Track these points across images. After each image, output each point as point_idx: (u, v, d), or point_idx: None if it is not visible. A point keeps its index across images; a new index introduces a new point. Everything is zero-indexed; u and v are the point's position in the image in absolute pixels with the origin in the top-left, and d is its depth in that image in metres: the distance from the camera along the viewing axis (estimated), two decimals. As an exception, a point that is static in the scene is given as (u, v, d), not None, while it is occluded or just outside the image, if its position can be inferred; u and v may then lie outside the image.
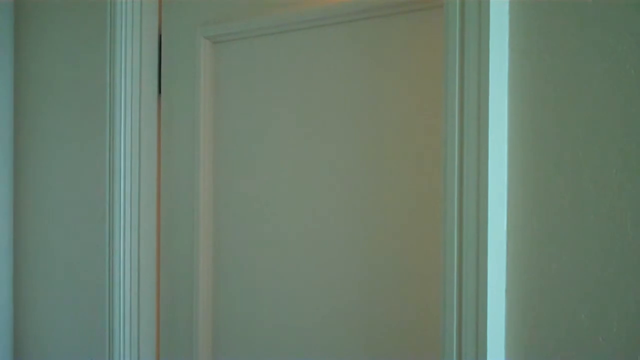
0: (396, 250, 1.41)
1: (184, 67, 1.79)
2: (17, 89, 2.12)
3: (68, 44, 1.97)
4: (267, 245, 1.64)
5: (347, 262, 1.49)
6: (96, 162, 1.87)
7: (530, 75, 1.07)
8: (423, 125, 1.37)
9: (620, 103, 0.99)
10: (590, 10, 1.02)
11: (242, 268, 1.70)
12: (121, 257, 1.81)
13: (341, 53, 1.49)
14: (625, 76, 0.98)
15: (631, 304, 0.98)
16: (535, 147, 1.07)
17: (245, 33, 1.67)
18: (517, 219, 1.09)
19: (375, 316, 1.44)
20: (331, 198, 1.52)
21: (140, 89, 1.82)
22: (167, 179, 1.84)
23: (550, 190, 1.06)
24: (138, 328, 1.82)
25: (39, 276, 2.07)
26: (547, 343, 1.06)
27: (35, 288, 2.08)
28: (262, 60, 1.64)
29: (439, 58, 1.25)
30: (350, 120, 1.48)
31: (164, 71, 1.84)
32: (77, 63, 1.94)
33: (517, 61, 1.08)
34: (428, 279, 1.34)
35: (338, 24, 1.49)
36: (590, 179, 1.02)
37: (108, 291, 1.83)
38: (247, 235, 1.69)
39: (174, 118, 1.82)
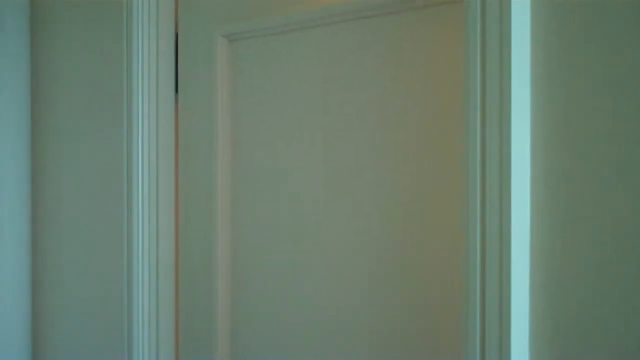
0: (416, 249, 1.39)
1: (200, 66, 1.78)
2: (33, 89, 2.12)
3: (84, 43, 1.97)
4: (286, 244, 1.63)
5: (367, 260, 1.47)
6: (113, 162, 1.86)
7: (554, 69, 1.05)
8: (443, 122, 1.35)
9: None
10: (615, 2, 0.99)
11: (261, 267, 1.68)
12: (139, 257, 1.80)
13: (359, 50, 1.47)
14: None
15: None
16: (559, 144, 1.04)
17: (262, 31, 1.66)
18: (541, 218, 1.06)
19: (395, 313, 1.42)
20: (350, 195, 1.50)
21: (157, 88, 1.81)
22: (185, 178, 1.83)
23: (574, 189, 1.03)
24: (157, 329, 1.82)
25: (56, 278, 2.07)
26: (572, 344, 1.04)
27: (53, 290, 2.08)
28: (279, 58, 1.63)
29: (460, 53, 1.22)
30: (369, 117, 1.46)
31: (181, 70, 1.83)
32: (93, 62, 1.94)
33: (539, 56, 1.06)
34: (447, 277, 1.33)
35: (355, 20, 1.47)
36: (616, 177, 0.99)
37: (126, 292, 1.82)
38: (266, 234, 1.67)
39: (191, 117, 1.81)
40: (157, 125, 1.81)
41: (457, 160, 1.28)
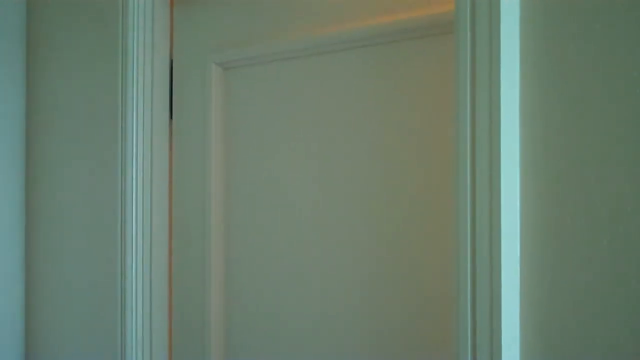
0: (409, 252, 1.41)
1: (195, 93, 1.81)
2: (28, 115, 2.14)
3: (80, 67, 1.99)
4: (279, 251, 1.65)
5: (359, 262, 1.49)
6: (108, 187, 1.88)
7: (541, 102, 1.08)
8: (435, 151, 1.38)
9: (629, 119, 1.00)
10: (599, 34, 1.03)
11: (254, 274, 1.70)
12: (133, 265, 1.81)
13: (352, 79, 1.51)
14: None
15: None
16: (546, 170, 1.08)
17: (256, 59, 1.69)
18: (530, 229, 1.09)
19: (387, 313, 1.44)
20: (343, 214, 1.53)
21: (152, 113, 1.83)
22: (179, 204, 1.85)
23: (562, 200, 1.06)
24: (150, 332, 1.82)
25: (51, 282, 2.07)
26: (562, 347, 1.06)
27: (46, 295, 2.09)
28: (273, 86, 1.66)
29: (451, 83, 1.26)
30: (361, 146, 1.50)
31: (176, 96, 1.86)
32: (88, 87, 1.96)
33: (528, 87, 1.10)
34: (441, 279, 1.35)
35: (349, 50, 1.51)
36: (602, 186, 1.03)
37: (120, 292, 1.83)
38: (259, 242, 1.69)
39: (185, 142, 1.84)
40: (152, 150, 1.83)
41: (450, 171, 1.32)
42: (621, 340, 1.01)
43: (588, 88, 1.04)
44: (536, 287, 1.09)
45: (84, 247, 1.97)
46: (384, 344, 1.45)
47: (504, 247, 1.08)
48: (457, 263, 1.13)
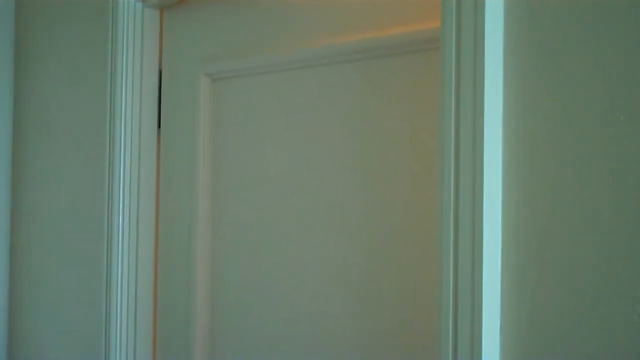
0: (394, 257, 1.42)
1: (183, 103, 1.81)
2: (16, 120, 2.14)
3: (69, 78, 1.99)
4: (266, 253, 1.65)
5: (347, 263, 1.50)
6: (95, 195, 1.88)
7: (524, 117, 1.09)
8: (421, 162, 1.39)
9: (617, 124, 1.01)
10: (582, 51, 1.04)
11: (240, 275, 1.70)
12: (119, 264, 1.82)
13: (341, 92, 1.52)
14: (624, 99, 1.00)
15: (625, 324, 0.99)
16: (527, 183, 1.08)
17: (245, 71, 1.70)
18: (511, 232, 1.10)
19: (372, 316, 1.44)
20: (329, 230, 1.53)
21: (140, 123, 1.84)
22: (165, 214, 1.85)
23: (542, 208, 1.07)
24: (135, 333, 1.82)
25: (36, 287, 2.07)
26: (542, 352, 1.07)
27: (31, 295, 2.08)
28: (262, 98, 1.67)
29: (436, 98, 1.27)
30: (349, 159, 1.50)
31: (164, 106, 1.86)
32: (77, 95, 1.96)
33: (510, 102, 1.11)
34: (425, 283, 1.35)
35: (338, 64, 1.51)
36: (586, 192, 1.04)
37: (105, 293, 1.83)
38: (246, 243, 1.69)
39: (172, 152, 1.84)
40: (139, 159, 1.83)
41: (435, 182, 1.32)
42: (602, 346, 1.01)
43: (571, 104, 1.05)
44: (517, 293, 1.09)
45: (70, 252, 1.97)
46: (370, 344, 1.45)
47: (486, 252, 1.09)
48: (440, 269, 1.14)
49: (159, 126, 1.87)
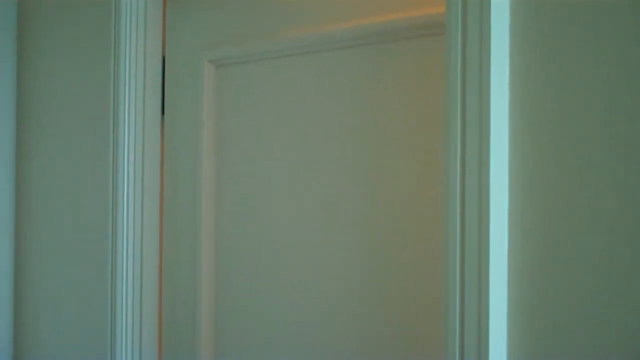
0: (400, 253, 1.42)
1: (187, 90, 1.81)
2: (19, 110, 2.14)
3: (72, 64, 1.99)
4: (269, 249, 1.65)
5: (350, 263, 1.50)
6: (99, 184, 1.88)
7: (531, 102, 1.09)
8: (426, 151, 1.38)
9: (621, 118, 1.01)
10: (589, 35, 1.04)
11: (245, 272, 1.70)
12: (124, 263, 1.82)
13: (345, 78, 1.51)
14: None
15: (632, 324, 0.99)
16: (535, 166, 1.08)
17: (248, 57, 1.69)
18: (518, 231, 1.10)
19: (377, 315, 1.45)
20: (334, 214, 1.53)
21: (144, 110, 1.83)
22: (170, 201, 1.85)
23: (550, 202, 1.07)
24: (140, 331, 1.82)
25: (40, 286, 2.07)
26: (549, 348, 1.07)
27: (36, 295, 2.09)
28: (266, 84, 1.66)
29: (441, 83, 1.27)
30: (353, 144, 1.50)
31: (168, 93, 1.86)
32: (81, 83, 1.96)
33: (517, 87, 1.10)
34: (430, 280, 1.35)
35: (342, 49, 1.51)
36: (592, 191, 1.03)
37: (110, 294, 1.83)
38: (250, 242, 1.69)
39: (176, 138, 1.84)
40: (143, 147, 1.83)
41: (439, 172, 1.32)
42: (608, 340, 1.01)
43: (578, 89, 1.05)
44: (523, 289, 1.09)
45: (74, 244, 1.97)
46: (375, 344, 1.45)
47: (492, 249, 1.09)
48: (446, 264, 1.14)
49: (163, 113, 1.87)
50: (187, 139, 1.81)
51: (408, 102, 1.41)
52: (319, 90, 1.56)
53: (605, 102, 1.02)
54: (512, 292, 1.10)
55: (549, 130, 1.07)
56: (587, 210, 1.03)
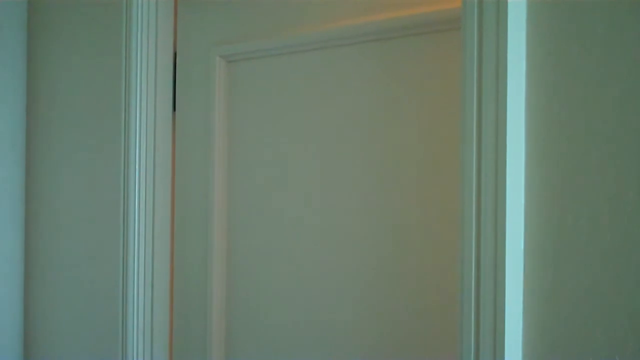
0: (412, 251, 1.41)
1: (198, 85, 1.81)
2: (30, 105, 2.14)
3: (83, 59, 1.99)
4: (281, 250, 1.65)
5: (362, 264, 1.49)
6: (111, 179, 1.88)
7: (547, 99, 1.08)
8: (440, 148, 1.38)
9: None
10: (606, 32, 1.03)
11: (256, 273, 1.70)
12: (135, 261, 1.81)
13: (358, 74, 1.51)
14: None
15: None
16: (552, 163, 1.08)
17: (260, 52, 1.69)
18: (534, 230, 1.09)
19: (391, 313, 1.44)
20: (346, 205, 1.53)
21: (155, 106, 1.83)
22: (181, 196, 1.85)
23: (565, 200, 1.06)
24: (151, 329, 1.83)
25: (50, 282, 2.08)
26: (564, 347, 1.07)
27: (46, 293, 2.09)
28: (277, 79, 1.66)
29: (457, 80, 1.26)
30: (365, 140, 1.49)
31: (179, 88, 1.86)
32: (92, 79, 1.96)
33: (534, 84, 1.10)
34: (444, 281, 1.35)
35: (355, 45, 1.50)
36: (608, 193, 1.03)
37: (122, 295, 1.83)
38: (261, 241, 1.69)
39: (188, 135, 1.83)
40: (155, 143, 1.83)
41: (454, 170, 1.32)
42: (623, 340, 1.01)
43: (594, 86, 1.04)
44: (539, 288, 1.09)
45: (85, 241, 1.97)
46: (388, 344, 1.45)
47: (509, 247, 1.08)
48: (462, 263, 1.13)
49: (174, 108, 1.87)
50: (198, 135, 1.80)
51: (421, 99, 1.40)
52: (331, 86, 1.55)
53: (624, 98, 1.01)
54: (528, 292, 1.10)
55: (566, 127, 1.06)
56: (605, 209, 1.03)
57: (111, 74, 1.89)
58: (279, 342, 1.65)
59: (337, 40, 1.53)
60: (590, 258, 1.04)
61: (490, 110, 1.10)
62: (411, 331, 1.41)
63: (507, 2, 1.08)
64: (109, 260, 1.88)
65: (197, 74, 1.81)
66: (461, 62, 1.14)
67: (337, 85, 1.54)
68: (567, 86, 1.06)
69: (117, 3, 1.86)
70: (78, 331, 1.99)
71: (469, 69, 1.12)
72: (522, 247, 1.10)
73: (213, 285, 1.75)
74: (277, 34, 1.65)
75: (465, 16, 1.13)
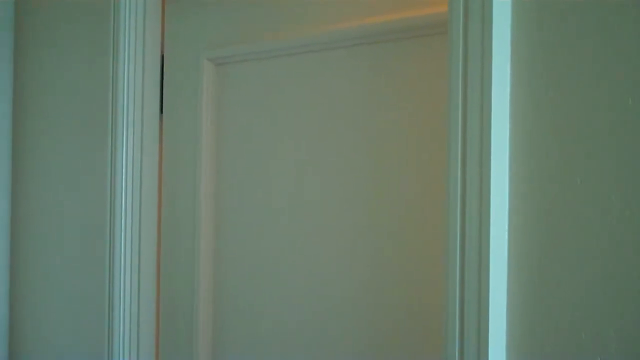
0: (400, 252, 1.42)
1: (186, 88, 1.81)
2: (16, 107, 2.13)
3: (70, 61, 1.98)
4: (269, 249, 1.65)
5: (349, 263, 1.50)
6: (97, 182, 1.87)
7: (532, 102, 1.09)
8: (427, 151, 1.38)
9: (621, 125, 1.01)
10: (591, 36, 1.04)
11: (244, 272, 1.70)
12: (122, 262, 1.81)
13: (345, 77, 1.51)
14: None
15: (630, 324, 1.00)
16: (535, 169, 1.08)
17: (248, 56, 1.69)
18: (518, 231, 1.10)
19: (377, 315, 1.45)
20: (336, 214, 1.53)
21: (143, 108, 1.83)
22: (168, 199, 1.85)
23: (551, 200, 1.07)
24: (138, 331, 1.82)
25: (36, 288, 2.07)
26: (549, 349, 1.07)
27: (32, 296, 2.08)
28: (266, 82, 1.66)
29: (443, 83, 1.26)
30: (353, 144, 1.50)
31: (167, 91, 1.86)
32: (79, 82, 1.95)
33: (518, 87, 1.10)
34: (432, 280, 1.35)
35: (343, 48, 1.51)
36: (591, 193, 1.04)
37: (108, 294, 1.83)
38: (249, 241, 1.69)
39: (176, 138, 1.83)
40: (142, 145, 1.82)
41: (441, 171, 1.32)
42: (609, 341, 1.02)
43: (579, 89, 1.05)
44: (523, 289, 1.10)
45: (71, 244, 1.96)
46: (375, 344, 1.45)
47: (493, 249, 1.09)
48: (447, 264, 1.14)
49: (162, 111, 1.86)
50: (186, 138, 1.80)
51: (410, 100, 1.41)
52: (320, 90, 1.55)
53: (609, 101, 1.02)
54: (512, 293, 1.11)
55: (550, 129, 1.07)
56: (589, 210, 1.03)
57: (98, 76, 1.88)
58: (266, 343, 1.65)
59: (326, 44, 1.54)
60: (575, 258, 1.05)
61: (475, 113, 1.11)
62: (399, 332, 1.41)
63: (492, 7, 1.09)
64: (95, 262, 1.87)
65: (185, 77, 1.81)
66: (447, 65, 1.14)
67: (326, 88, 1.54)
68: (552, 87, 1.07)
69: (104, 6, 1.86)
70: (64, 333, 1.98)
71: (455, 72, 1.13)
72: (507, 247, 1.10)
73: (200, 286, 1.75)
74: (265, 37, 1.65)
75: (451, 20, 1.14)
